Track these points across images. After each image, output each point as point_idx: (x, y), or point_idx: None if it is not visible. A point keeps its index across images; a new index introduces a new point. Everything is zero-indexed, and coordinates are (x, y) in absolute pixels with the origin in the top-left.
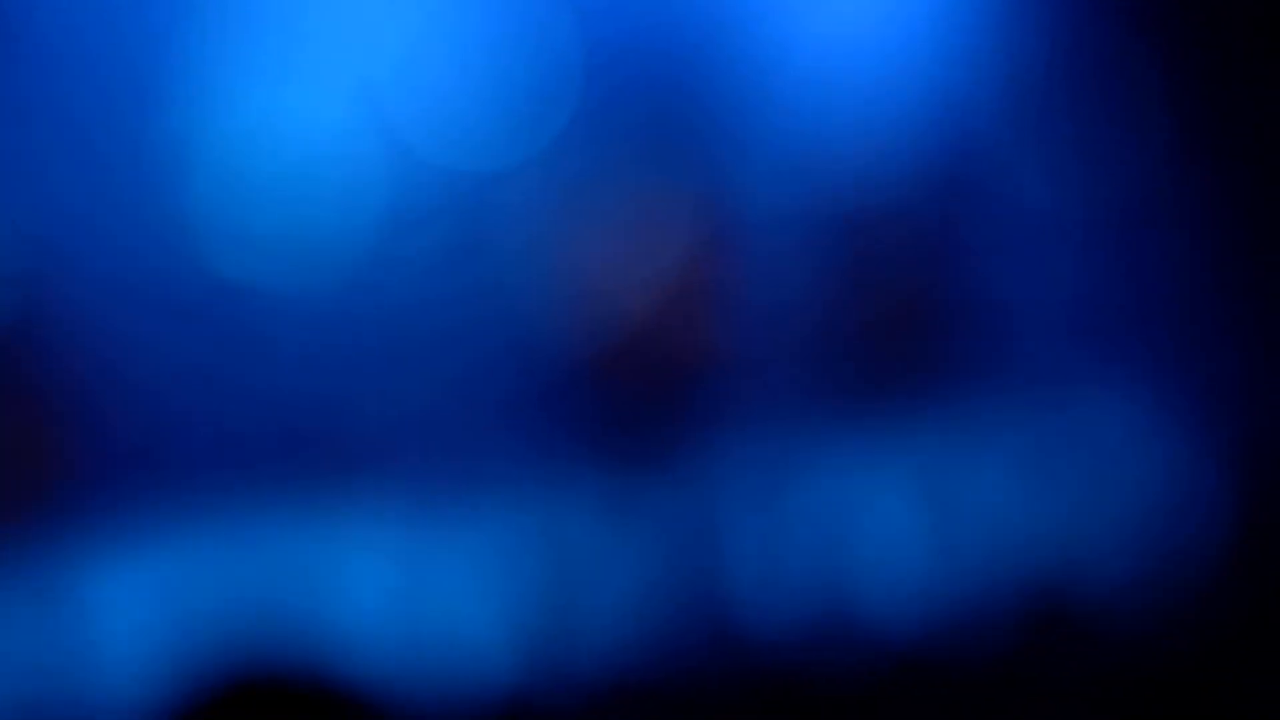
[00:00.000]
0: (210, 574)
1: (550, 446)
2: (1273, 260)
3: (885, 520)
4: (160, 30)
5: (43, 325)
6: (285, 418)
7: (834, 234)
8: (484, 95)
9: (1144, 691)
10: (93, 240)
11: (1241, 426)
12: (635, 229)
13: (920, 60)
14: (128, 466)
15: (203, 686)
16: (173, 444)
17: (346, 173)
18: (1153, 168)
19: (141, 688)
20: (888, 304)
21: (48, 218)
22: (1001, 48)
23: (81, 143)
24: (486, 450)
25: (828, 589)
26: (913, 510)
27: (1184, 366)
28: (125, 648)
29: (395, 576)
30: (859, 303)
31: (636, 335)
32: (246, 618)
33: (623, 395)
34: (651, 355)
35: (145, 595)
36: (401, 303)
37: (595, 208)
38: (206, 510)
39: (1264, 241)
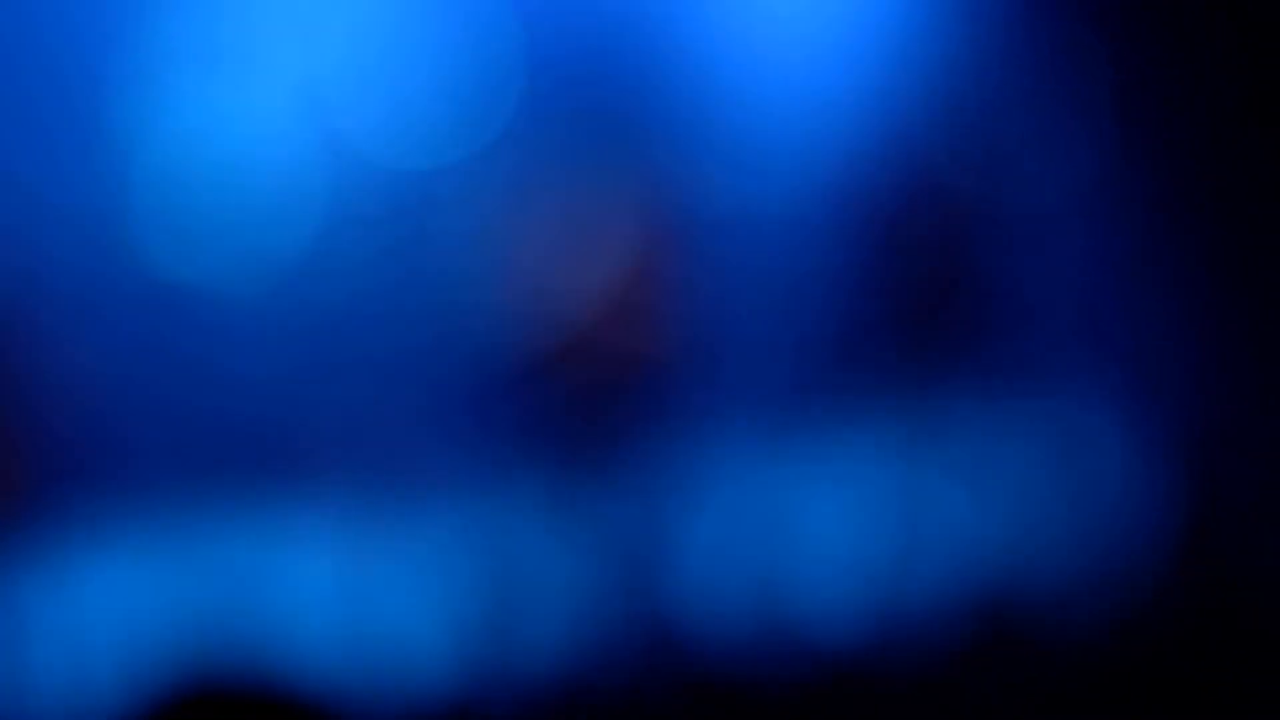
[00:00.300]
0: (154, 581)
1: (495, 448)
2: (1229, 261)
3: (835, 526)
4: (102, 32)
5: None
6: (227, 420)
7: (785, 232)
8: (427, 92)
9: (1095, 697)
10: (35, 243)
11: (1195, 430)
12: (581, 227)
13: (880, 53)
14: (68, 473)
15: (150, 695)
16: (113, 449)
17: (289, 173)
18: (1105, 166)
19: (86, 698)
20: (838, 305)
21: None
22: (962, 41)
23: (24, 146)
24: (430, 452)
25: (775, 595)
26: (864, 516)
27: (1137, 369)
28: (68, 658)
29: (338, 581)
30: (809, 303)
31: (582, 336)
32: (192, 625)
33: (568, 396)
34: (597, 356)
35: (87, 604)
36: (345, 303)
37: (540, 206)
38: (148, 516)
39: (1219, 242)
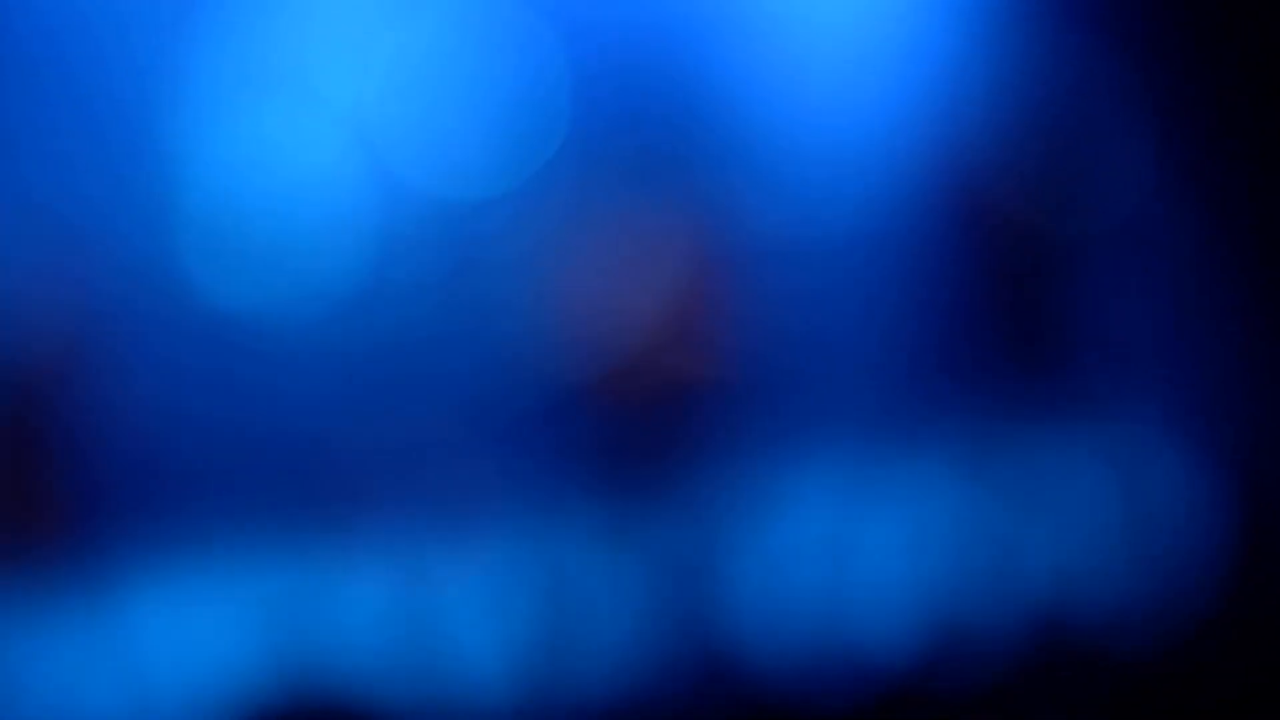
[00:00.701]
0: (215, 610)
1: (550, 473)
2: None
3: (887, 547)
4: (150, 61)
5: (40, 357)
6: (284, 449)
7: (842, 256)
8: (476, 121)
9: (1146, 711)
10: (88, 272)
11: (1252, 450)
12: (634, 252)
13: (928, 78)
14: (128, 503)
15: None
16: (170, 479)
17: (338, 203)
18: (1163, 190)
19: None
20: (887, 328)
21: (39, 247)
22: (1017, 61)
23: (77, 177)
24: (485, 477)
25: (834, 617)
26: (923, 536)
27: (1194, 390)
28: (133, 688)
29: (396, 606)
30: (865, 326)
31: (636, 360)
32: (255, 653)
33: (623, 421)
34: (652, 380)
35: (149, 637)
36: (395, 332)
37: (589, 233)
38: (207, 545)
39: (1270, 261)
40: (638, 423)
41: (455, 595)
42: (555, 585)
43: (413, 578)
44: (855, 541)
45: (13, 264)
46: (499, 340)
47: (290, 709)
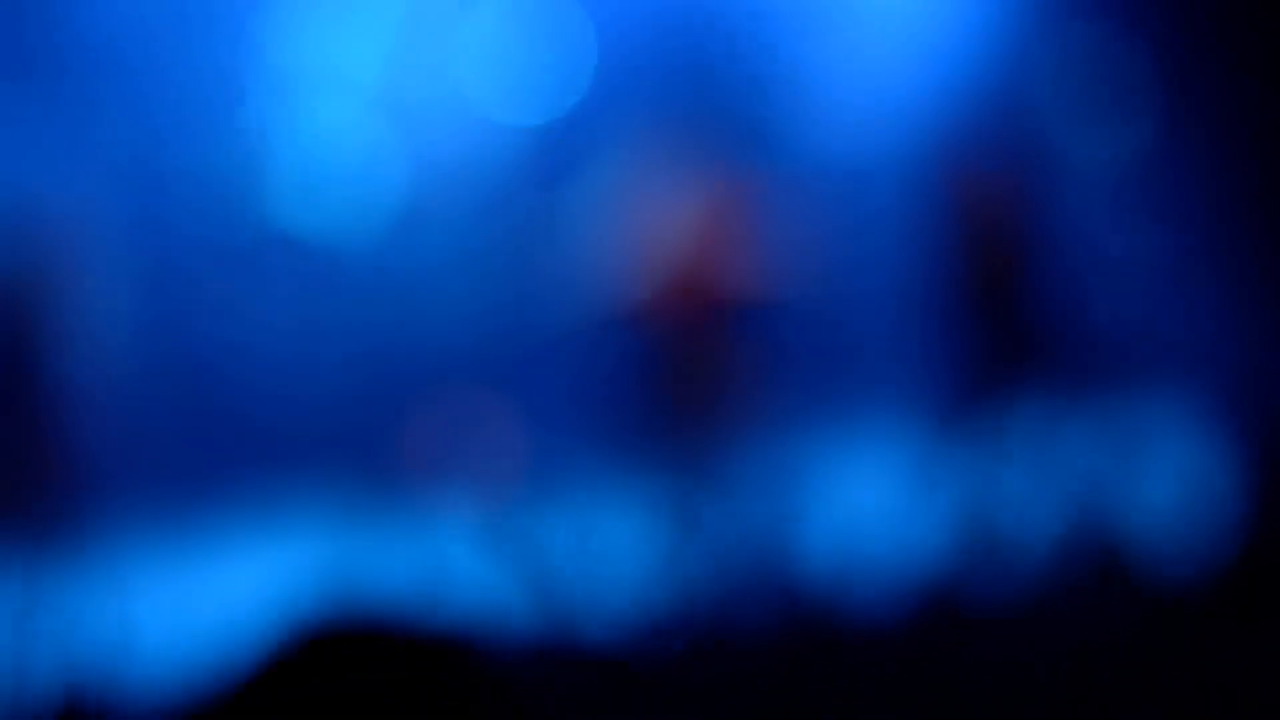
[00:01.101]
0: (274, 552)
1: (614, 421)
2: None
3: (937, 494)
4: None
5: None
6: (334, 394)
7: (889, 215)
8: (528, 50)
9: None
10: (178, 219)
11: (1264, 418)
12: (694, 199)
13: (955, 40)
14: (211, 446)
15: (282, 637)
16: (245, 427)
17: (394, 135)
18: (1182, 169)
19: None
20: (938, 293)
21: (130, 194)
22: (1031, 47)
23: (178, 137)
24: (552, 418)
25: (897, 554)
26: (963, 484)
27: (1216, 364)
28: (217, 609)
29: (459, 537)
30: (909, 287)
31: (694, 304)
32: (305, 582)
33: (684, 359)
34: (706, 325)
35: (218, 564)
36: (455, 273)
37: (650, 181)
38: (280, 490)
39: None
40: (699, 361)
41: (520, 528)
42: (603, 525)
43: (476, 511)
44: (909, 485)
45: (95, 205)
46: (566, 279)
47: (355, 621)
